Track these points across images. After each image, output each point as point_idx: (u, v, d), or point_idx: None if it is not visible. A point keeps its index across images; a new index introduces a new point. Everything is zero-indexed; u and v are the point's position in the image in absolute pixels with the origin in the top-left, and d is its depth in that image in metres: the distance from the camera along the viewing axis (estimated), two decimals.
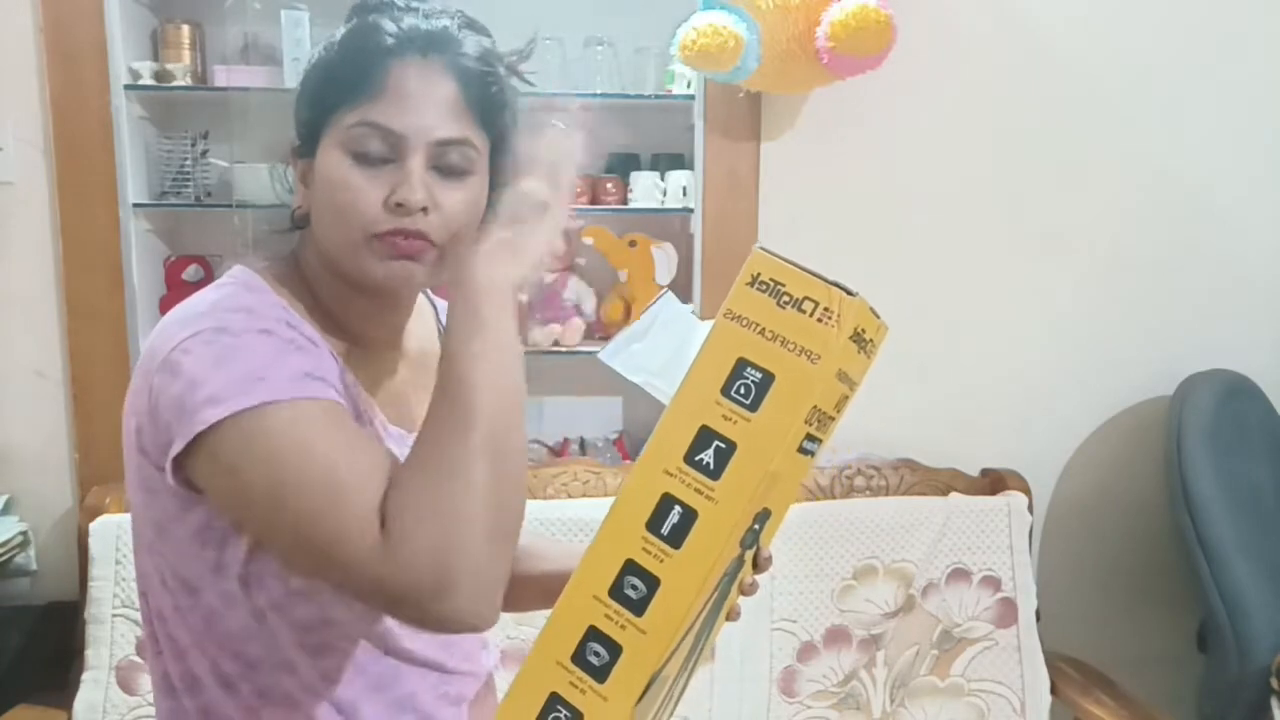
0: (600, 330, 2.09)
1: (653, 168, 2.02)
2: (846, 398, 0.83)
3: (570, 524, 1.74)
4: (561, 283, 2.06)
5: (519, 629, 1.68)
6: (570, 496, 1.83)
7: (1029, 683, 1.85)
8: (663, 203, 1.98)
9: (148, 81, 1.85)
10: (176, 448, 0.78)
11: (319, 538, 0.76)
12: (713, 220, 1.92)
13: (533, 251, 0.84)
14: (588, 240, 2.02)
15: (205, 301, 0.85)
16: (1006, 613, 1.86)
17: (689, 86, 1.94)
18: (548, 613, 0.82)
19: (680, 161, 2.01)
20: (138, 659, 1.63)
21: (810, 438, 0.81)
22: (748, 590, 0.87)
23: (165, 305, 1.92)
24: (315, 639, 0.88)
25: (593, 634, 0.80)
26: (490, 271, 0.81)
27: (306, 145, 0.89)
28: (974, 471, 1.98)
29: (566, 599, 0.81)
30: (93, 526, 1.67)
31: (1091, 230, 2.00)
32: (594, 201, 2.00)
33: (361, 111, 0.85)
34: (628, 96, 1.98)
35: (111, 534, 1.66)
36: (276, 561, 0.84)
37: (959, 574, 1.85)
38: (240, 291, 0.87)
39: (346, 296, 0.91)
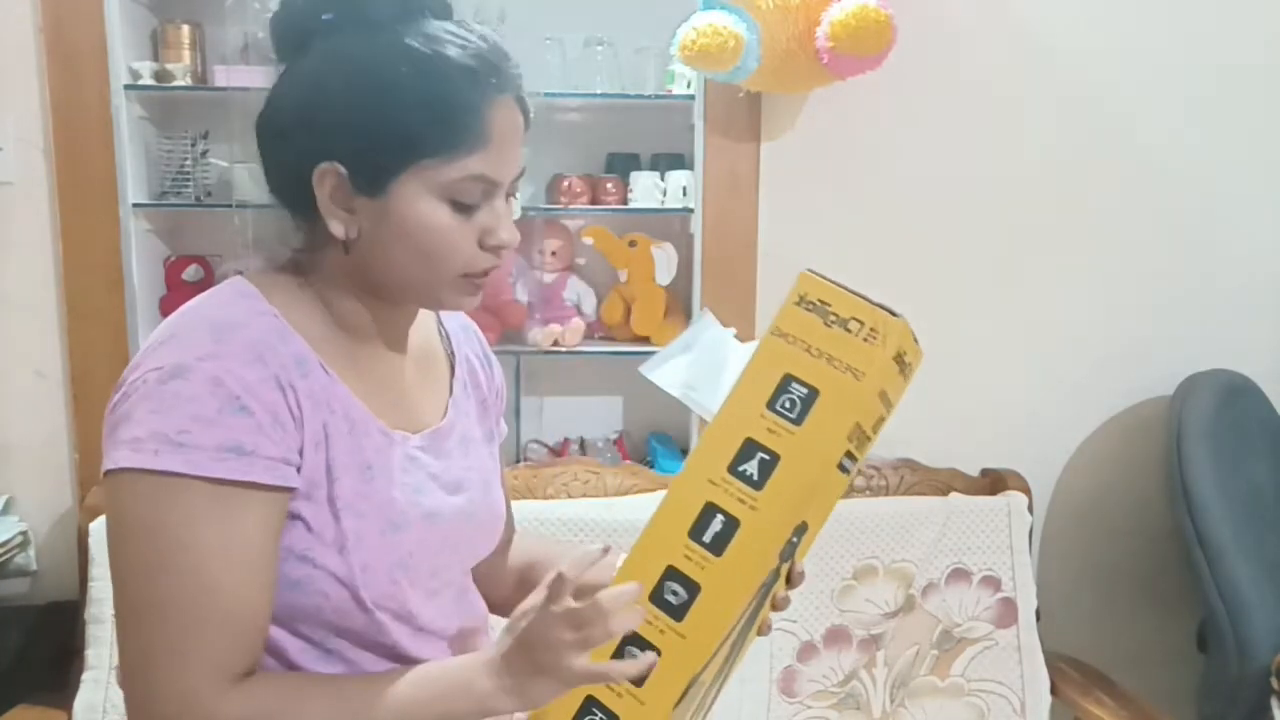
0: (600, 330, 2.09)
1: (653, 168, 2.02)
2: (883, 419, 0.85)
3: (570, 524, 1.74)
4: (561, 283, 2.06)
5: None
6: (570, 496, 1.83)
7: (1029, 682, 1.85)
8: (663, 203, 1.98)
9: (148, 81, 1.84)
10: (104, 467, 0.79)
11: (147, 649, 0.77)
12: (713, 220, 1.92)
13: (536, 699, 0.81)
14: (588, 240, 2.02)
15: (190, 319, 0.83)
16: (1006, 612, 1.86)
17: (689, 86, 1.93)
18: None
19: (680, 161, 2.01)
20: None
21: (849, 455, 0.82)
22: (780, 605, 0.88)
23: (165, 305, 1.92)
24: (320, 648, 0.87)
25: (631, 638, 0.81)
26: (496, 686, 0.81)
27: (366, 180, 0.82)
28: (974, 471, 1.98)
29: None
30: (93, 526, 1.67)
31: (1091, 230, 2.00)
32: (594, 201, 2.00)
33: (464, 165, 0.82)
34: (628, 96, 1.98)
35: None
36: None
37: (959, 574, 1.85)
38: (235, 299, 0.85)
39: (372, 308, 0.90)
